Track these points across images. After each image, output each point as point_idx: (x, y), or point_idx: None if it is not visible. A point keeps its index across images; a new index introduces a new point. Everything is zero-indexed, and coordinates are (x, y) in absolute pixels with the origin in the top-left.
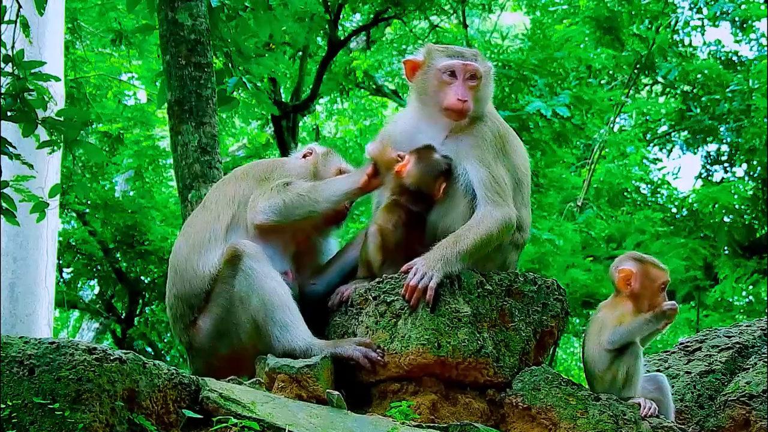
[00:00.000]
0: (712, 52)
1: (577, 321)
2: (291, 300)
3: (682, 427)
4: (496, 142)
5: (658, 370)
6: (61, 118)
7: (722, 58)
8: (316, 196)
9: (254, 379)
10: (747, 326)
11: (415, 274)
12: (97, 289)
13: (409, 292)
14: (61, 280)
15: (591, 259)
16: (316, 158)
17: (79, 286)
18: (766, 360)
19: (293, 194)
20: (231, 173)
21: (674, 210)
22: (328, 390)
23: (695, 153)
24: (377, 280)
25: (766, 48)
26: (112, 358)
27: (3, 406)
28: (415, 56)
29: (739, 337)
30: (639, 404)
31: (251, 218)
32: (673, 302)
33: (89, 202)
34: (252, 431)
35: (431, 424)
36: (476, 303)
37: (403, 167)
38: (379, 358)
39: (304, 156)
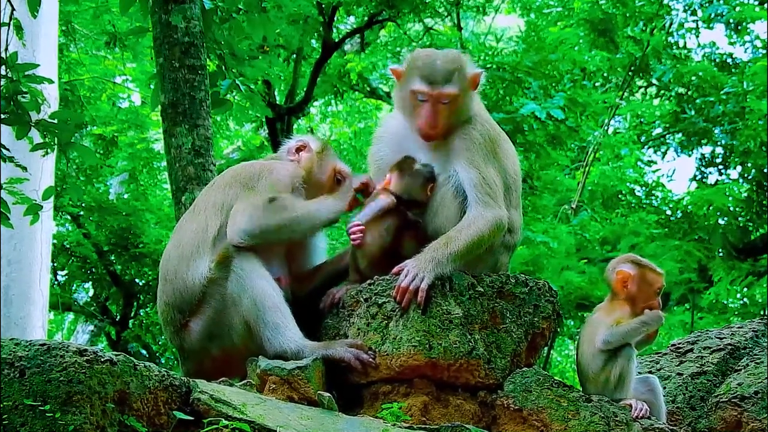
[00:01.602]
0: (706, 55)
1: (572, 323)
2: (282, 301)
3: (674, 428)
4: (486, 144)
5: (650, 372)
6: (55, 121)
7: (717, 60)
8: (296, 225)
9: (245, 381)
10: (739, 328)
11: (406, 276)
12: (91, 292)
13: (401, 293)
14: (56, 282)
15: (585, 261)
16: (311, 157)
17: (73, 288)
18: (761, 361)
19: (274, 219)
20: (221, 176)
21: (669, 212)
22: (319, 392)
23: (690, 155)
24: (369, 281)
25: (764, 51)
26: (102, 359)
27: None
28: (400, 66)
29: (731, 339)
30: (631, 406)
31: (229, 236)
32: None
33: (83, 205)
34: None
35: (422, 426)
36: (467, 305)
37: (388, 183)
38: (370, 360)
39: (298, 150)
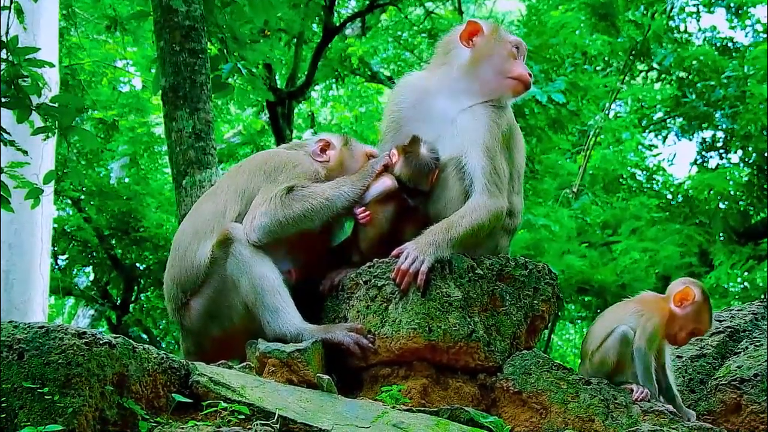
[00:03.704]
0: (707, 39)
1: (573, 307)
2: (281, 285)
3: (673, 411)
4: (506, 134)
5: None
6: (56, 105)
7: (717, 44)
8: (314, 215)
9: (244, 364)
10: (738, 310)
11: (406, 258)
12: (92, 276)
13: (400, 275)
14: (56, 266)
15: (586, 245)
16: (340, 153)
17: (74, 272)
18: (760, 343)
19: (290, 213)
20: (248, 160)
21: (669, 196)
22: (318, 374)
23: (690, 139)
24: (368, 264)
25: (764, 34)
26: (101, 342)
27: None
28: (480, 22)
29: (731, 321)
30: (632, 390)
31: (247, 233)
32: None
33: (84, 189)
34: (242, 415)
35: (422, 408)
36: (467, 287)
37: (393, 164)
38: (369, 345)
39: (322, 149)
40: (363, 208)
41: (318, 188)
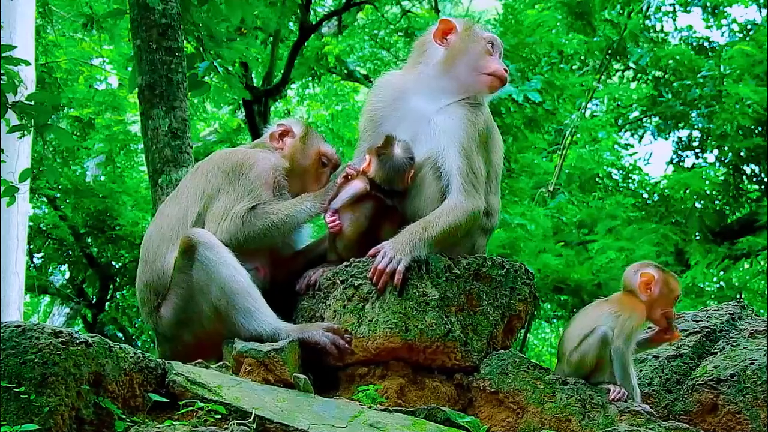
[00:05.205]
0: (683, 38)
1: (549, 306)
2: (251, 285)
3: (650, 410)
4: (482, 133)
5: None
6: (32, 103)
7: (693, 43)
8: (275, 232)
9: (221, 363)
10: (715, 310)
11: (383, 258)
12: (67, 274)
13: (377, 275)
14: (32, 265)
15: (562, 244)
16: (295, 143)
17: (49, 271)
18: (737, 343)
19: (253, 231)
20: (205, 161)
21: (645, 195)
22: (295, 374)
23: (666, 139)
24: (345, 263)
25: (741, 35)
26: (78, 341)
27: None
28: (454, 20)
29: (707, 321)
30: (609, 389)
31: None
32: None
33: (60, 187)
34: (218, 415)
35: (398, 408)
36: (444, 287)
37: (368, 167)
38: (346, 345)
39: (281, 135)
40: (334, 217)
41: (280, 206)
